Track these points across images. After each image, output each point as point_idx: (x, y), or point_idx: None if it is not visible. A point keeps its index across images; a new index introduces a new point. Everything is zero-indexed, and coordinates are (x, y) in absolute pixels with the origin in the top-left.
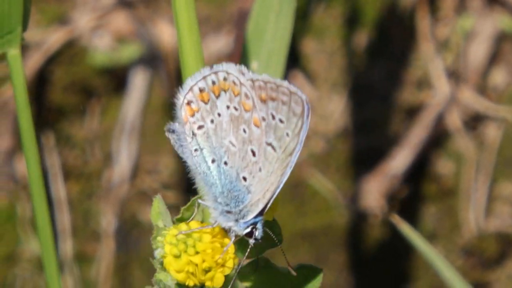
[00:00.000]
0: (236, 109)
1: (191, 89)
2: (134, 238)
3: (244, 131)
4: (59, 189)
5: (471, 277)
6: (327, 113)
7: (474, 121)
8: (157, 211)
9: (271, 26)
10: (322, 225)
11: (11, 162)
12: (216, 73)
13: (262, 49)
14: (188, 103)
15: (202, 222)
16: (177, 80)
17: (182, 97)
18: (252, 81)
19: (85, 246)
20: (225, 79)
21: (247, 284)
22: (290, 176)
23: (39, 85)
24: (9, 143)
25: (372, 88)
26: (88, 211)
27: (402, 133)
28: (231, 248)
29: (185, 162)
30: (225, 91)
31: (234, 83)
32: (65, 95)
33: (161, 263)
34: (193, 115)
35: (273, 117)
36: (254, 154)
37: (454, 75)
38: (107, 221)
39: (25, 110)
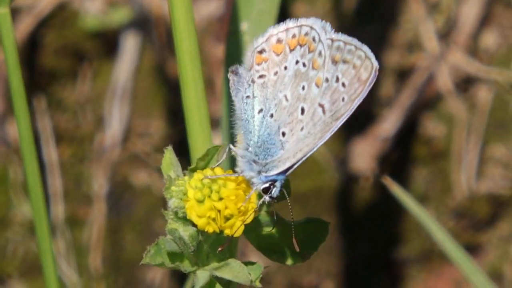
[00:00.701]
0: (304, 65)
1: (269, 38)
2: (125, 202)
3: (303, 88)
4: (51, 153)
5: (463, 239)
6: None
7: (465, 84)
8: (168, 162)
9: None
10: (314, 188)
11: (3, 126)
12: (300, 26)
13: (252, 10)
14: (260, 52)
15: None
16: (168, 43)
17: (257, 44)
18: (332, 40)
19: (77, 209)
20: (306, 34)
21: (252, 237)
22: None
23: (30, 49)
24: (1, 106)
25: None
26: (80, 174)
27: (393, 96)
28: (254, 197)
29: (232, 104)
30: (301, 45)
31: (313, 39)
32: (56, 59)
33: (175, 213)
34: (260, 64)
35: (337, 80)
36: (303, 112)
37: (445, 37)
38: (99, 184)
39: (16, 72)
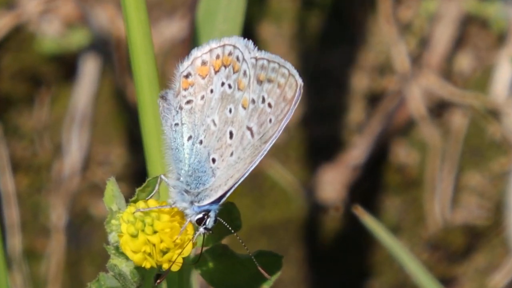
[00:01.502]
0: (230, 86)
1: (193, 61)
2: (85, 233)
3: (230, 111)
4: (7, 182)
5: (437, 271)
6: None
7: (439, 108)
8: (110, 194)
9: (223, 7)
10: (282, 218)
11: None
12: (223, 46)
13: (214, 32)
14: (186, 76)
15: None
16: (129, 67)
17: (183, 68)
18: (256, 59)
19: (35, 241)
20: (230, 53)
21: (203, 271)
22: None
23: None
24: None
25: (331, 74)
26: (38, 205)
27: (363, 121)
28: (190, 229)
29: (162, 133)
30: (225, 66)
31: (237, 58)
32: (13, 83)
33: (116, 248)
34: (186, 89)
35: (263, 100)
36: (231, 136)
37: (418, 60)
38: (57, 215)
39: None
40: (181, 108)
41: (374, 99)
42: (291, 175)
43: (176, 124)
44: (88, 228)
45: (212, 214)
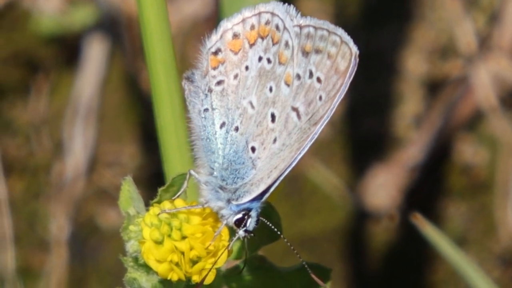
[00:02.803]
0: (269, 61)
1: (223, 34)
2: (91, 247)
3: (271, 89)
4: None
5: None
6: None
7: None
8: (127, 196)
9: None
10: (325, 228)
11: None
12: (259, 14)
13: (243, 7)
14: (215, 52)
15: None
16: (142, 50)
17: (210, 44)
18: (300, 27)
19: (31, 256)
20: (267, 22)
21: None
22: None
23: None
24: None
25: (383, 57)
26: (35, 213)
27: (421, 114)
28: (225, 234)
29: (189, 120)
30: (263, 37)
31: (277, 27)
32: (5, 69)
33: (135, 259)
34: (216, 67)
35: (311, 75)
36: (273, 119)
37: (487, 40)
38: (58, 226)
39: None
40: (210, 90)
41: (434, 86)
42: (336, 177)
43: (206, 110)
44: (95, 241)
45: (253, 213)
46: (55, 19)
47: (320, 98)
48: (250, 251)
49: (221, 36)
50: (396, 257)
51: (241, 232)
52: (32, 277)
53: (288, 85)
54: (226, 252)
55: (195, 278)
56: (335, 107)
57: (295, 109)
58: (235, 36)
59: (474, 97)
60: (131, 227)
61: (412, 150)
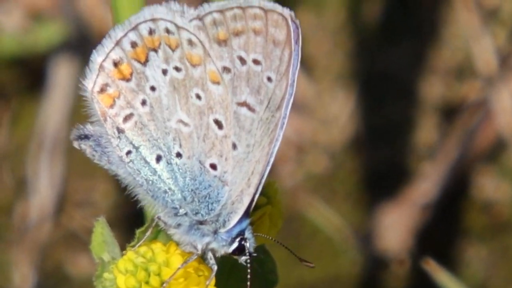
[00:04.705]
0: (178, 69)
1: (100, 68)
2: None
3: (198, 96)
4: None
5: None
6: (330, 116)
7: None
8: (100, 240)
9: None
10: (326, 276)
11: None
12: (136, 28)
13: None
14: (102, 90)
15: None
16: None
17: (90, 84)
18: (200, 18)
19: None
20: (151, 32)
21: None
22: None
23: None
24: None
25: (392, 79)
26: None
27: (435, 143)
28: (209, 273)
29: (115, 175)
30: (155, 50)
31: (167, 31)
32: None
33: None
34: (112, 105)
35: (242, 61)
36: (220, 125)
37: (509, 59)
38: (22, 275)
39: None
40: (121, 130)
41: (450, 112)
42: (338, 217)
43: (129, 152)
44: None
45: (247, 233)
46: (16, 38)
47: (269, 79)
48: None
49: (99, 70)
50: None
51: (243, 258)
52: None
53: (217, 83)
54: None
55: None
56: (295, 80)
57: (242, 104)
58: (117, 63)
59: (495, 123)
60: (106, 275)
61: (425, 185)
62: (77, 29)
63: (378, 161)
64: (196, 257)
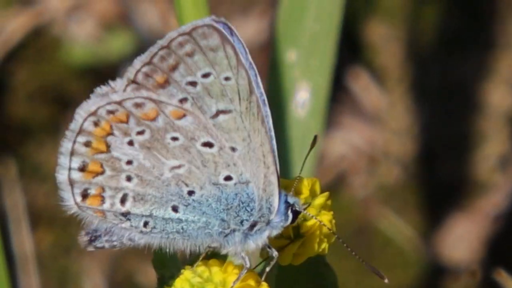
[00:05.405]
0: (141, 132)
1: (70, 181)
2: None
3: (175, 139)
4: (24, 240)
5: None
6: (402, 127)
7: None
8: (161, 255)
9: (314, 0)
10: (398, 287)
11: None
12: (80, 131)
13: (303, 34)
14: (84, 196)
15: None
16: None
17: (71, 199)
18: (132, 81)
19: None
20: (97, 124)
21: None
22: (350, 219)
23: None
24: None
25: (462, 91)
26: (66, 270)
27: (508, 154)
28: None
29: (144, 245)
30: (110, 133)
31: (111, 112)
32: (31, 106)
33: None
34: (103, 200)
35: (193, 84)
36: (209, 145)
37: None
38: (93, 285)
39: None
40: (126, 214)
41: None
42: (410, 228)
43: (146, 224)
44: None
45: (290, 199)
46: (89, 47)
47: (227, 78)
48: None
49: (71, 183)
50: None
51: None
52: None
53: (183, 116)
54: None
55: None
56: (251, 62)
57: (216, 114)
58: (82, 168)
59: None
60: None
61: (497, 196)
62: (147, 38)
63: (449, 173)
64: (246, 271)
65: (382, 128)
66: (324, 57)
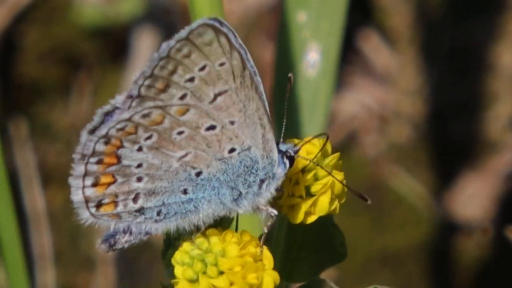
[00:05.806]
0: (149, 137)
1: (85, 198)
2: (143, 265)
3: (180, 133)
4: (36, 199)
5: None
6: (413, 87)
7: None
8: None
9: None
10: (410, 244)
11: None
12: (93, 154)
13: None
14: (99, 206)
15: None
16: None
17: (87, 213)
18: (138, 95)
19: (74, 276)
20: (107, 142)
21: None
22: (362, 178)
23: (5, 53)
24: None
25: (473, 53)
26: (78, 228)
27: None
28: (268, 261)
29: (160, 233)
30: (121, 147)
31: (120, 130)
32: (42, 67)
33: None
34: (117, 204)
35: (191, 80)
36: (212, 127)
37: None
38: None
39: None
40: (140, 210)
41: None
42: (421, 187)
43: (159, 212)
44: (147, 258)
45: (283, 147)
46: (99, 9)
47: (222, 64)
48: (309, 275)
49: (87, 203)
50: (490, 276)
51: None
52: None
53: (186, 111)
54: (271, 280)
55: None
56: (241, 44)
57: (214, 98)
58: (95, 183)
59: None
60: (170, 251)
61: (508, 155)
62: (158, 1)
63: (461, 132)
64: (275, 218)
65: (393, 88)
66: (335, 18)
